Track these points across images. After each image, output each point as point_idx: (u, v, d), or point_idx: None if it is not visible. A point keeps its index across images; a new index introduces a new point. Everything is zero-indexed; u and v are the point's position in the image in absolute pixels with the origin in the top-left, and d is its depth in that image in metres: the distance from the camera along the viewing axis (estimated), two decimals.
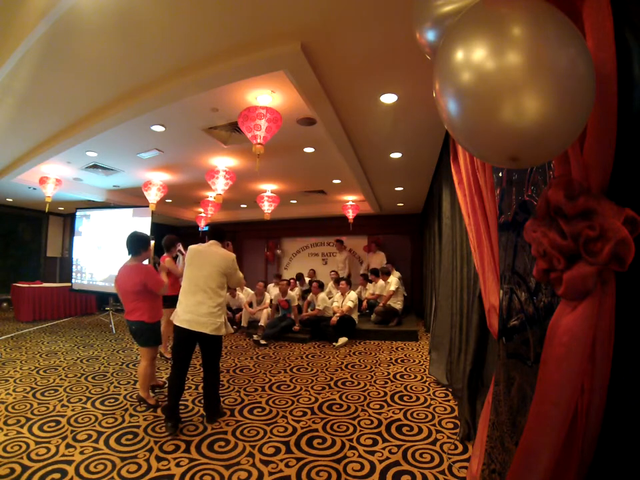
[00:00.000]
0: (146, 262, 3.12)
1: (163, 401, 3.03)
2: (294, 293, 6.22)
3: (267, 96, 3.06)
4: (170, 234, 4.64)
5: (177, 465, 2.13)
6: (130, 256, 2.99)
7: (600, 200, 0.81)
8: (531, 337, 1.19)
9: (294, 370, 4.08)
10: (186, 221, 9.35)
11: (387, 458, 2.23)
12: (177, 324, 2.66)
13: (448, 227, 3.71)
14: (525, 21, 0.74)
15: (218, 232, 2.96)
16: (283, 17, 2.07)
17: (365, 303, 6.65)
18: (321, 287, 6.34)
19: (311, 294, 6.27)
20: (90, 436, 2.43)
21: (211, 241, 2.89)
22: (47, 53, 2.44)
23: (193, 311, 2.62)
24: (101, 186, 6.52)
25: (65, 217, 9.45)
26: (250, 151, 3.52)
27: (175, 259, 4.29)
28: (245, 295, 6.50)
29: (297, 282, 7.50)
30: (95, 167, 5.27)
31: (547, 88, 0.71)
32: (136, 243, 2.98)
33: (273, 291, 6.52)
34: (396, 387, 3.51)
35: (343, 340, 5.34)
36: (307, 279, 7.90)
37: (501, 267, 1.56)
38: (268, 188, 6.45)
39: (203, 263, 2.74)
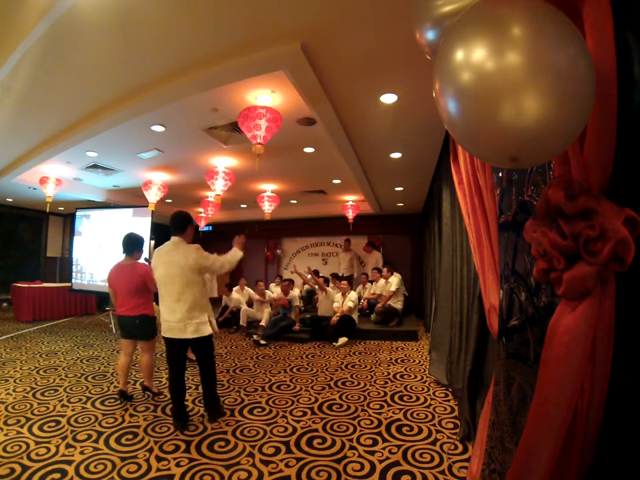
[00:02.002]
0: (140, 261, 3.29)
1: (163, 401, 3.04)
2: (296, 293, 6.20)
3: (267, 96, 3.06)
4: None
5: (177, 464, 2.13)
6: (125, 255, 3.17)
7: (600, 200, 0.81)
8: (531, 337, 1.19)
9: (294, 370, 4.07)
10: None
11: (387, 458, 2.23)
12: (163, 335, 2.66)
13: (448, 226, 3.70)
14: (525, 21, 0.74)
15: (177, 221, 2.67)
16: (282, 17, 2.07)
17: (365, 303, 6.64)
18: (326, 282, 6.36)
19: (328, 289, 6.18)
20: (90, 436, 2.43)
21: (174, 238, 2.67)
22: (46, 52, 2.44)
23: (170, 319, 2.60)
24: (101, 186, 6.52)
25: (65, 217, 9.45)
26: (250, 150, 3.52)
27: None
28: (245, 294, 6.49)
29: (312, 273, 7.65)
30: (94, 166, 5.27)
31: (546, 88, 0.71)
32: (132, 244, 3.19)
33: (274, 290, 6.50)
34: (396, 386, 3.51)
35: (342, 340, 5.33)
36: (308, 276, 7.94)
37: (501, 266, 1.55)
38: (268, 188, 6.45)
39: (168, 266, 2.59)
